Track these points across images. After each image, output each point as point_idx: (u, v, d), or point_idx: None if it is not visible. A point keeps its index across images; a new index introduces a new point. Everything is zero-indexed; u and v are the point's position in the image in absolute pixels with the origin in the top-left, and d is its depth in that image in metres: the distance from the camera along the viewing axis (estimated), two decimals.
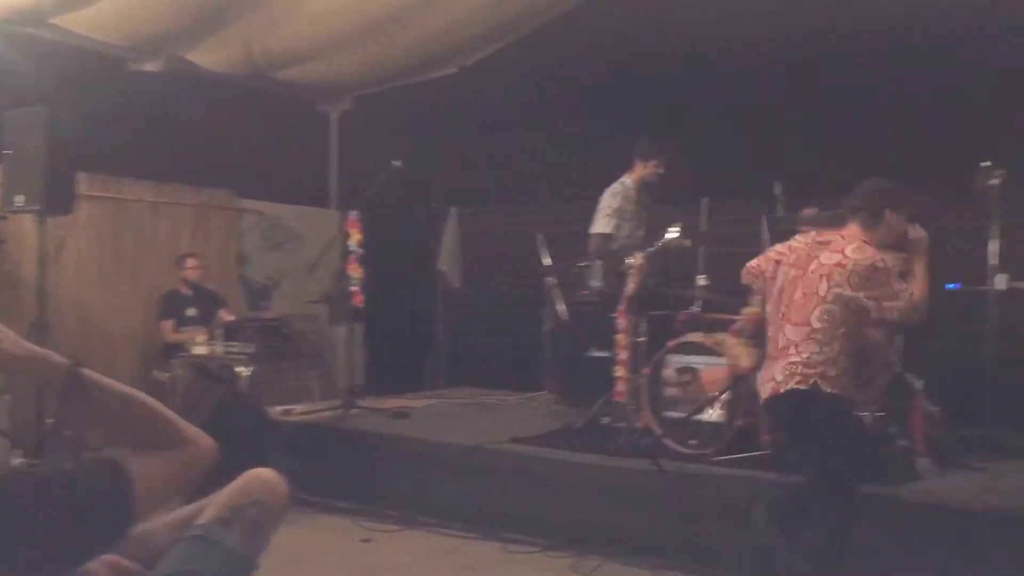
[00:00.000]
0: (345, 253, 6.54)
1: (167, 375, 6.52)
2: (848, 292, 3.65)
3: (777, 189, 5.20)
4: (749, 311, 5.11)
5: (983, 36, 5.99)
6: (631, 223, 6.00)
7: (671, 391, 5.07)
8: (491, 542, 4.75)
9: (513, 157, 7.88)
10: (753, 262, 4.19)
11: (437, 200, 8.88)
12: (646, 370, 5.18)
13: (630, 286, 5.50)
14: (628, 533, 4.55)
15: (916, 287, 3.74)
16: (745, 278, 4.24)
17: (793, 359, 3.71)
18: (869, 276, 3.65)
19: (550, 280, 6.85)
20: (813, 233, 3.96)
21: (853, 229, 3.82)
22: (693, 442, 4.90)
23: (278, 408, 6.21)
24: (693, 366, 5.01)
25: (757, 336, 5.15)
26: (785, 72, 6.80)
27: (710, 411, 4.88)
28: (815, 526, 3.66)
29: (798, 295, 3.80)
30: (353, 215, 6.57)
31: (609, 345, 5.72)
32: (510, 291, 8.22)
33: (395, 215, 7.98)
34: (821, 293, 3.70)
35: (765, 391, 3.85)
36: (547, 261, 6.86)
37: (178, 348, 6.62)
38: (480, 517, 4.96)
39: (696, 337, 5.10)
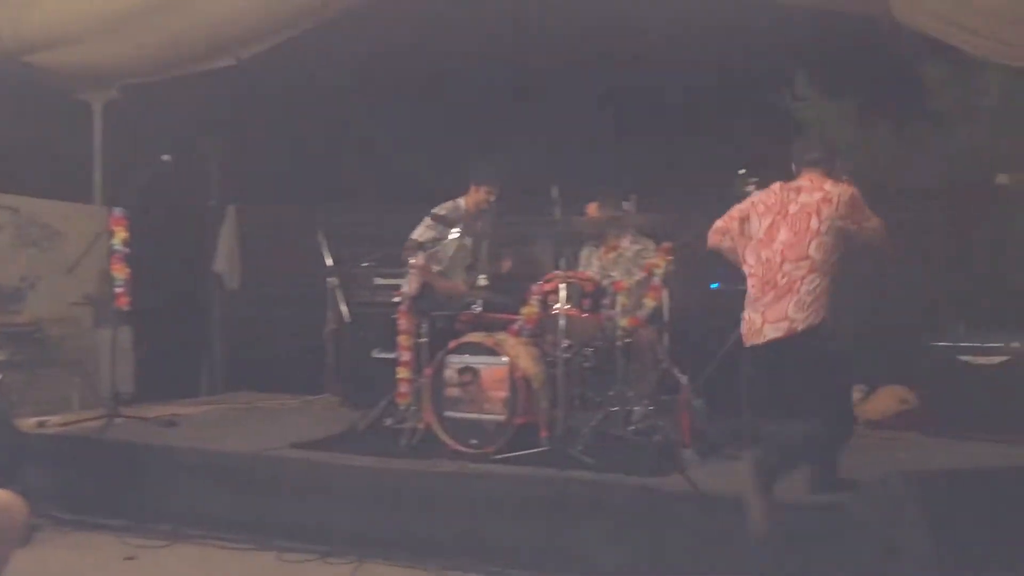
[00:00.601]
0: (109, 252, 6.17)
1: None
2: (840, 222, 4.00)
3: (554, 192, 5.33)
4: (528, 311, 5.25)
5: (745, 45, 6.41)
6: None
7: (453, 391, 5.08)
8: (267, 552, 4.59)
9: (293, 154, 7.68)
10: (719, 222, 4.38)
11: (214, 197, 8.52)
12: (428, 371, 5.18)
13: (412, 286, 5.51)
14: (410, 535, 4.51)
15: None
16: (712, 239, 4.41)
17: (803, 293, 3.97)
18: (852, 204, 4.04)
19: (332, 281, 6.73)
20: (777, 184, 4.22)
21: (815, 175, 4.13)
22: (474, 441, 4.94)
23: (32, 420, 5.77)
24: (474, 366, 5.05)
25: (536, 335, 5.30)
26: (565, 77, 7.02)
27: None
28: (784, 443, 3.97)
29: (784, 235, 4.06)
30: (118, 212, 6.24)
31: (392, 346, 5.69)
32: (291, 292, 7.99)
33: (168, 213, 7.57)
34: (814, 227, 4.01)
35: (779, 330, 3.99)
36: (329, 261, 6.73)
37: None
38: (256, 527, 4.77)
39: (477, 337, 5.15)
